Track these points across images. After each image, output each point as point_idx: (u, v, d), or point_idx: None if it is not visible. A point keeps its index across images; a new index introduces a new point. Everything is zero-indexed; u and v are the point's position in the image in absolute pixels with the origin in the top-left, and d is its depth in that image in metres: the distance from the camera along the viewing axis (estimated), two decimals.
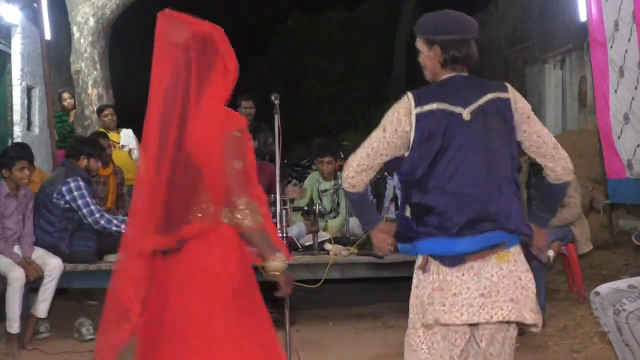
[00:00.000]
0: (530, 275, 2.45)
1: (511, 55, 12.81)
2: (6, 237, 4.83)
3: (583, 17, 6.86)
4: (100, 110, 7.30)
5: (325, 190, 5.98)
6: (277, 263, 2.44)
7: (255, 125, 7.04)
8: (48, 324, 4.97)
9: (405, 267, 5.08)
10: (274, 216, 4.70)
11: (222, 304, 2.38)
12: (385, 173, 5.84)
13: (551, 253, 4.89)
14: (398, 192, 5.69)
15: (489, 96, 2.47)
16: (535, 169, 4.99)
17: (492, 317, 2.37)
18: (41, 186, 5.18)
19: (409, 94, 2.50)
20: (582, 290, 5.30)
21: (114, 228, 4.99)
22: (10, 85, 8.75)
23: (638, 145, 5.73)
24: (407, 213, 2.54)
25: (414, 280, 2.56)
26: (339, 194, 5.99)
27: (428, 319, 2.44)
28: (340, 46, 19.15)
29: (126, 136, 7.18)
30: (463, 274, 2.40)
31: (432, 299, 2.42)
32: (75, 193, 4.94)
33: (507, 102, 2.48)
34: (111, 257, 5.09)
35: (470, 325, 2.45)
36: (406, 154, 2.50)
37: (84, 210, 4.94)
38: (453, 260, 2.41)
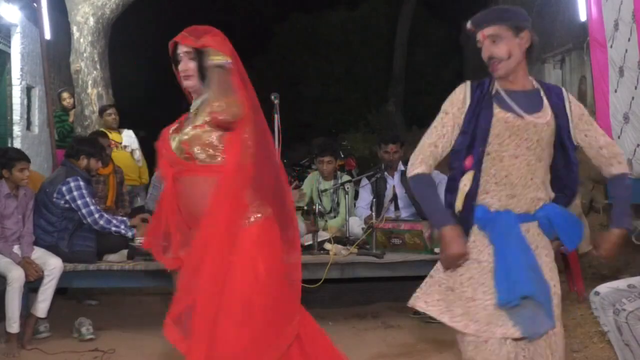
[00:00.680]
0: None
1: None
2: (6, 237, 4.83)
3: (583, 16, 6.86)
4: (103, 110, 7.31)
5: (325, 190, 5.98)
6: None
7: None
8: (48, 324, 4.97)
9: (404, 266, 5.08)
10: None
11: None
12: (386, 173, 5.84)
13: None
14: (398, 193, 5.70)
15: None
16: None
17: None
18: (41, 186, 5.18)
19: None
20: (582, 290, 5.30)
21: (113, 228, 4.99)
22: (10, 84, 8.75)
23: (638, 145, 5.73)
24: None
25: None
26: (339, 194, 5.99)
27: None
28: (340, 46, 19.14)
29: (128, 136, 7.20)
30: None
31: None
32: (75, 193, 4.94)
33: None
34: (111, 257, 5.09)
35: None
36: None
37: (84, 211, 4.94)
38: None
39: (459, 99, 2.55)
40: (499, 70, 2.52)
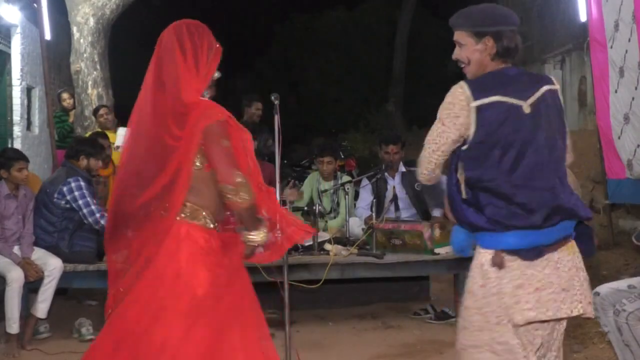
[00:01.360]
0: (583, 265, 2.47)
1: None
2: (6, 237, 4.83)
3: (583, 17, 6.86)
4: (95, 111, 7.30)
5: (325, 191, 5.98)
6: (259, 236, 2.54)
7: (255, 126, 7.06)
8: (48, 324, 4.97)
9: (404, 267, 5.08)
10: None
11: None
12: (386, 173, 5.84)
13: None
14: (398, 193, 5.69)
15: (545, 88, 2.46)
16: None
17: (572, 311, 2.38)
18: (42, 186, 5.18)
19: (464, 86, 2.44)
20: None
21: None
22: (10, 85, 8.76)
23: (638, 146, 5.73)
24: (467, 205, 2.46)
25: (477, 279, 2.43)
26: (339, 194, 5.99)
27: (518, 319, 2.35)
28: (340, 46, 19.17)
29: (121, 136, 7.15)
30: (544, 268, 2.37)
31: (518, 297, 2.35)
32: (76, 193, 4.94)
33: (557, 93, 2.49)
34: None
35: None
36: (464, 147, 2.43)
37: (85, 210, 4.94)
38: (533, 253, 2.37)
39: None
40: (465, 72, 2.57)
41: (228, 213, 2.66)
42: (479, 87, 2.43)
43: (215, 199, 2.51)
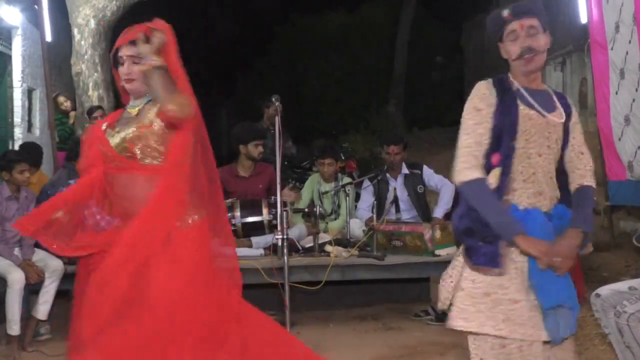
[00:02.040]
0: None
1: None
2: (7, 239, 4.84)
3: (584, 18, 6.86)
4: (90, 112, 7.28)
5: (326, 192, 5.97)
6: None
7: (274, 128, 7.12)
8: (49, 326, 4.97)
9: (405, 268, 5.08)
10: (275, 218, 4.70)
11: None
12: (388, 175, 5.84)
13: None
14: (400, 195, 5.70)
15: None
16: None
17: None
18: (42, 188, 5.18)
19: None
20: (583, 292, 5.29)
21: None
22: (11, 87, 8.77)
23: (639, 147, 5.73)
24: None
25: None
26: (340, 196, 5.99)
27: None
28: (340, 47, 19.17)
29: None
30: None
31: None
32: None
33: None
34: None
35: None
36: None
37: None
38: None
39: (486, 94, 2.48)
40: (534, 62, 2.47)
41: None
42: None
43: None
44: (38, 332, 4.90)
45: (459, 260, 2.52)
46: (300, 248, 5.16)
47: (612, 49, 6.05)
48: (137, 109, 2.72)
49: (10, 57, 8.72)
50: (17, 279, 4.61)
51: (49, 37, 7.57)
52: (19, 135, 8.78)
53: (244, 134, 5.57)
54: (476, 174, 2.41)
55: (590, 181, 2.57)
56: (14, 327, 4.60)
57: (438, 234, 5.01)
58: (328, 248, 5.08)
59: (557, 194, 2.53)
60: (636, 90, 5.67)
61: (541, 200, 2.47)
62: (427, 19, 18.86)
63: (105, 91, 8.05)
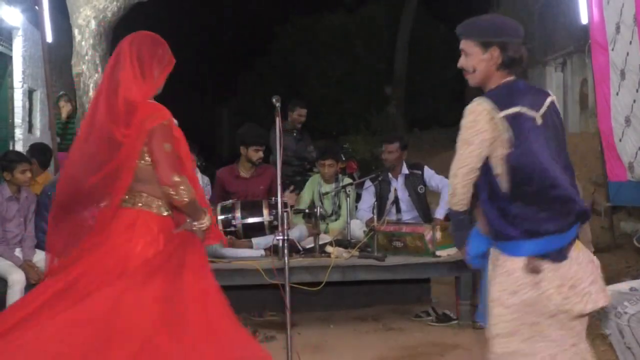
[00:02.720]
0: None
1: None
2: (7, 240, 4.84)
3: (584, 19, 6.86)
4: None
5: (326, 193, 5.97)
6: (205, 223, 2.89)
7: (297, 132, 7.22)
8: None
9: (406, 269, 5.08)
10: (275, 219, 4.70)
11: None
12: (389, 175, 5.83)
13: None
14: (400, 195, 5.69)
15: (549, 99, 2.55)
16: None
17: (598, 302, 2.50)
18: (43, 188, 5.19)
19: (483, 102, 2.47)
20: None
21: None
22: (12, 87, 8.77)
23: (639, 148, 5.73)
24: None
25: (506, 286, 2.50)
26: (340, 197, 5.99)
27: (578, 309, 2.49)
28: (341, 48, 19.15)
29: None
30: (571, 266, 2.46)
31: (566, 294, 2.45)
32: None
33: (556, 104, 2.59)
34: None
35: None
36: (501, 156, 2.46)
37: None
38: (560, 255, 2.46)
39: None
40: (468, 80, 2.63)
41: None
42: (499, 100, 2.47)
43: None
44: None
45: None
46: (301, 249, 5.16)
47: (612, 49, 6.05)
48: None
49: (10, 57, 8.73)
50: (17, 279, 4.61)
51: (49, 38, 7.56)
52: (19, 136, 8.78)
53: (247, 136, 5.58)
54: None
55: None
56: None
57: (439, 234, 5.01)
58: (329, 249, 5.08)
59: None
60: (637, 91, 5.67)
61: None
62: (427, 19, 18.85)
63: None
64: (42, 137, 9.26)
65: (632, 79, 5.73)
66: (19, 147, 8.55)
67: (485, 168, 2.50)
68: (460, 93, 14.88)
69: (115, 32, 8.34)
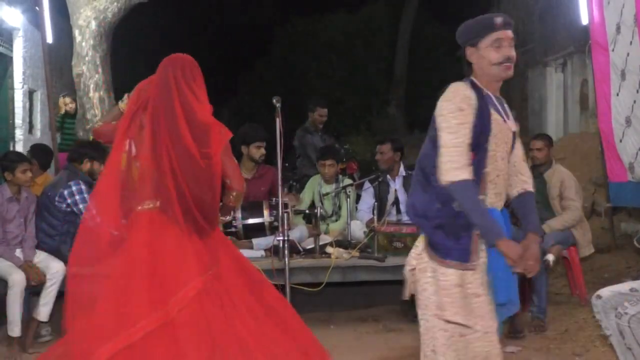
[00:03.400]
0: None
1: None
2: (8, 240, 4.84)
3: (585, 20, 6.86)
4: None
5: (327, 194, 5.98)
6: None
7: (317, 132, 7.28)
8: (50, 328, 4.96)
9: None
10: (276, 219, 4.71)
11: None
12: (388, 176, 5.84)
13: (551, 257, 4.88)
14: (400, 196, 5.69)
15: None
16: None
17: None
18: (44, 189, 5.19)
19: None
20: (584, 294, 5.29)
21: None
22: (12, 88, 8.77)
23: (639, 149, 5.73)
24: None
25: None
26: (340, 197, 5.99)
27: None
28: (341, 49, 19.13)
29: None
30: None
31: None
32: (77, 197, 4.95)
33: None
34: None
35: None
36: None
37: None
38: None
39: (468, 96, 2.60)
40: (509, 71, 2.64)
41: None
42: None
43: None
44: (39, 334, 4.90)
45: (423, 252, 2.75)
46: (301, 249, 5.16)
47: (613, 50, 6.05)
48: None
49: (11, 58, 8.72)
50: (18, 280, 4.62)
51: (50, 39, 7.56)
52: (19, 137, 8.78)
53: (247, 134, 5.58)
54: (464, 174, 2.51)
55: (531, 187, 2.77)
56: (14, 329, 4.61)
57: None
58: (329, 249, 5.08)
59: (505, 196, 2.71)
60: (637, 91, 5.67)
61: (499, 201, 2.65)
62: (427, 20, 18.83)
63: (106, 92, 8.04)
64: (42, 138, 9.26)
65: (633, 79, 5.73)
66: (20, 147, 8.54)
67: None
68: None
69: (116, 33, 8.35)
